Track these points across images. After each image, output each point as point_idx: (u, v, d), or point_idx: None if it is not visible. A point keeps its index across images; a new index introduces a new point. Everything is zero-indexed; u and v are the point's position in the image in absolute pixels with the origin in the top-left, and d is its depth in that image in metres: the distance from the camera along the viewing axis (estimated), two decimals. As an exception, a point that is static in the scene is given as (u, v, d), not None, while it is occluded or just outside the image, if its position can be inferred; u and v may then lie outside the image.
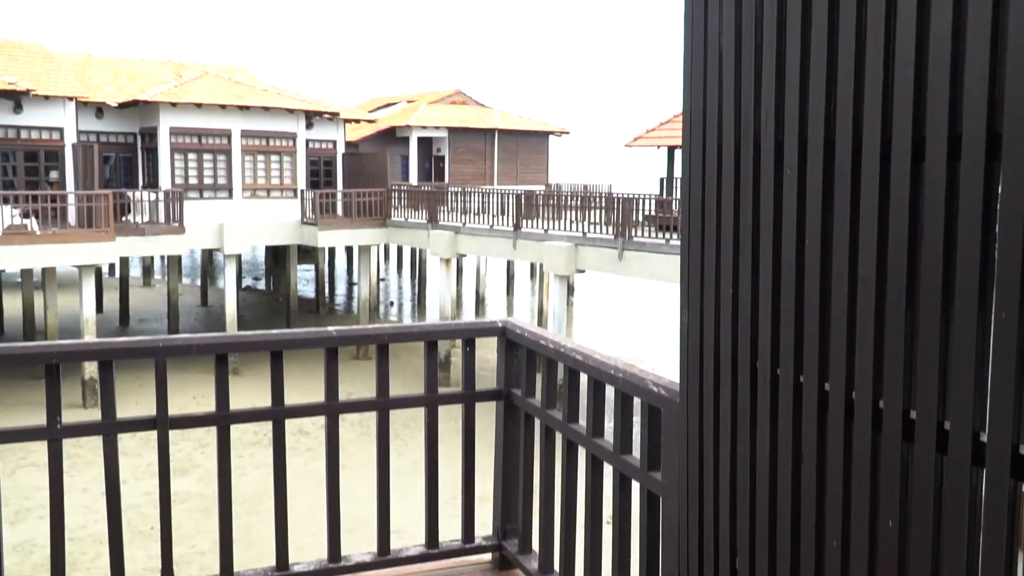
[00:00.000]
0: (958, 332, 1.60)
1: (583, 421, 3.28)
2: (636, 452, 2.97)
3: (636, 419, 2.98)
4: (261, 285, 44.25)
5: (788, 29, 1.99)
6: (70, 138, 26.48)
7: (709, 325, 2.32)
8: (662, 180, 25.37)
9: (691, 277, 2.33)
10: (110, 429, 3.21)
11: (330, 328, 3.62)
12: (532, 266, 38.46)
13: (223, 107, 28.11)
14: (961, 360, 1.60)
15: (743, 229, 2.12)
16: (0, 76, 23.79)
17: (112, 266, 36.61)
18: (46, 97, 25.43)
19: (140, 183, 29.18)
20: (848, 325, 1.82)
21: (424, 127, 39.16)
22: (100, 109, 28.70)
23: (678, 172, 24.66)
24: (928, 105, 1.64)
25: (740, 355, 2.23)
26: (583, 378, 3.27)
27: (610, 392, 3.13)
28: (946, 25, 1.61)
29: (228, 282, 28.09)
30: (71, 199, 24.37)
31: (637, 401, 2.93)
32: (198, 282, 39.77)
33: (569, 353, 3.29)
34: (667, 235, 20.17)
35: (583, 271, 22.85)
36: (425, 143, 40.43)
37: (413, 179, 38.76)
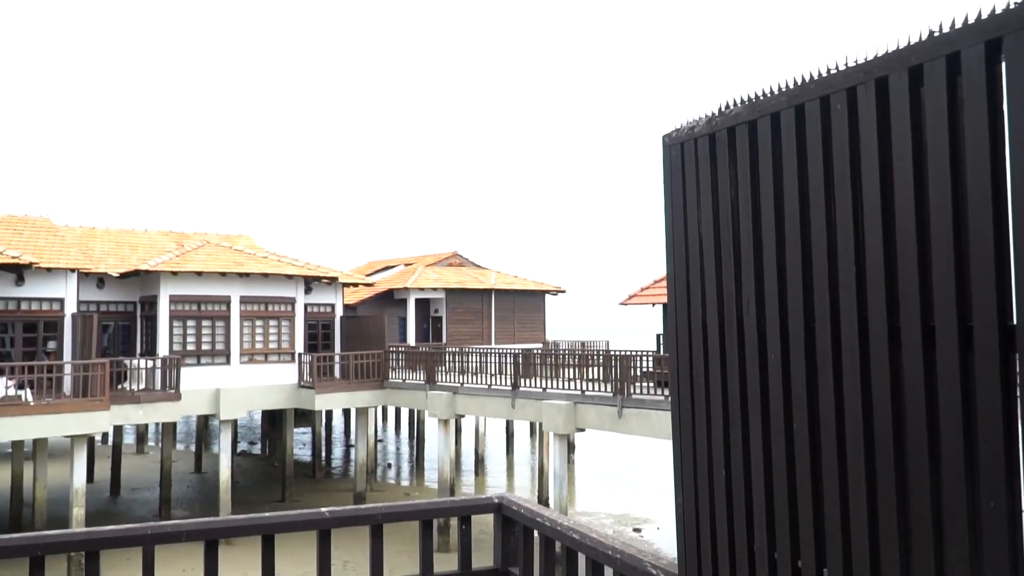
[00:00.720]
0: (948, 507, 1.61)
1: None
2: None
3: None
4: (257, 449, 43.61)
5: (763, 223, 2.09)
6: (70, 308, 26.77)
7: (704, 508, 2.31)
8: (658, 336, 25.53)
9: (684, 460, 2.34)
10: None
11: (323, 509, 3.58)
12: (532, 424, 38.10)
13: (223, 275, 28.61)
14: (954, 538, 1.59)
15: (731, 413, 2.16)
16: (4, 251, 24.31)
17: (105, 434, 36.19)
18: (48, 269, 25.90)
19: (138, 351, 29.30)
20: (841, 508, 1.82)
21: (422, 289, 39.75)
22: (101, 279, 29.19)
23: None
24: (901, 294, 1.71)
25: (737, 538, 2.20)
26: (581, 557, 3.22)
27: (609, 573, 3.07)
28: (910, 219, 1.70)
29: (223, 448, 27.71)
30: (67, 368, 24.37)
31: None
32: (192, 447, 39.22)
33: (567, 532, 3.25)
34: (666, 391, 20.12)
35: (583, 429, 22.62)
36: (423, 304, 40.93)
37: (411, 340, 38.97)
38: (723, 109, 2.30)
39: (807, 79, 2.01)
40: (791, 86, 2.06)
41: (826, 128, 1.94)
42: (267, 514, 3.49)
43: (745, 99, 2.21)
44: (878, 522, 1.78)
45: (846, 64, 1.88)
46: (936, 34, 1.64)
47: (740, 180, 2.21)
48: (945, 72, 1.65)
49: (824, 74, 1.94)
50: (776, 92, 2.10)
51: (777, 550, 2.06)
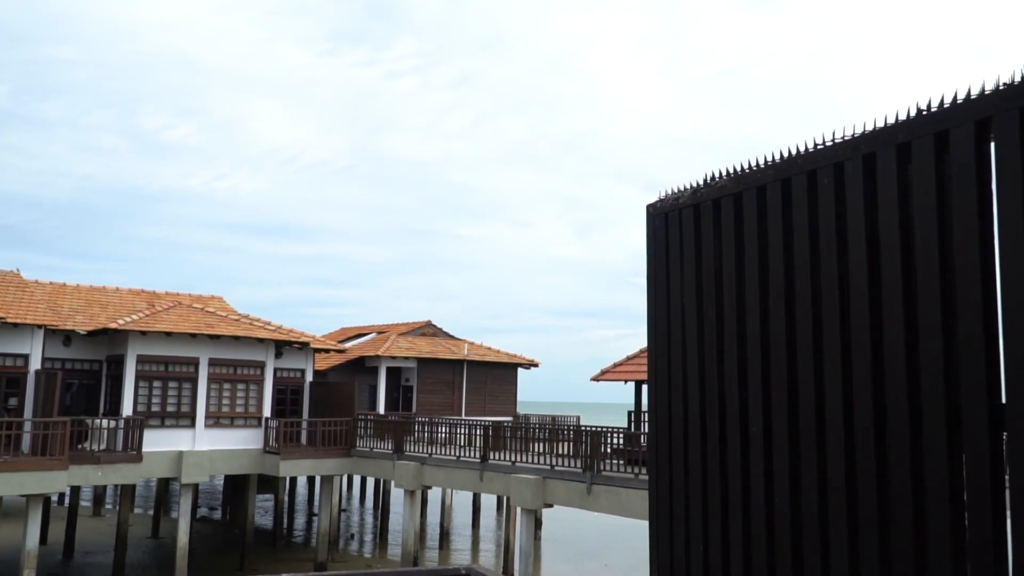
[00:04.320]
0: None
1: None
2: None
3: None
4: (217, 515, 42.50)
5: (747, 295, 2.08)
6: (34, 365, 26.27)
7: (682, 585, 2.25)
8: (630, 413, 25.43)
9: (660, 535, 2.28)
10: None
11: (287, 578, 3.45)
12: (499, 498, 37.53)
13: (193, 336, 28.28)
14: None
15: (711, 486, 2.11)
16: (-28, 302, 23.93)
17: (62, 495, 35.17)
18: (15, 325, 25.49)
19: (101, 410, 28.71)
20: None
21: (393, 357, 39.49)
22: (69, 336, 28.73)
23: (646, 405, 24.78)
24: (887, 370, 1.69)
25: (715, 618, 2.14)
26: None
27: None
28: (898, 296, 1.69)
29: (182, 513, 26.98)
30: (26, 426, 23.80)
31: None
32: (151, 511, 38.16)
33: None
34: (636, 469, 19.94)
35: (551, 505, 22.30)
36: (394, 372, 40.61)
37: (381, 408, 38.54)
38: (708, 180, 2.31)
39: (794, 153, 2.02)
40: (778, 159, 2.08)
41: (812, 202, 1.94)
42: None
43: (731, 171, 2.22)
44: (863, 605, 1.73)
45: (833, 139, 1.90)
46: (924, 112, 1.66)
47: (724, 252, 2.21)
48: (934, 150, 1.66)
49: (811, 148, 1.96)
50: (763, 165, 2.11)
51: (757, 632, 2.00)
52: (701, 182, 2.35)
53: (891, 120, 1.72)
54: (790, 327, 1.97)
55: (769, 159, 2.11)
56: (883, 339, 1.75)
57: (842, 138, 1.88)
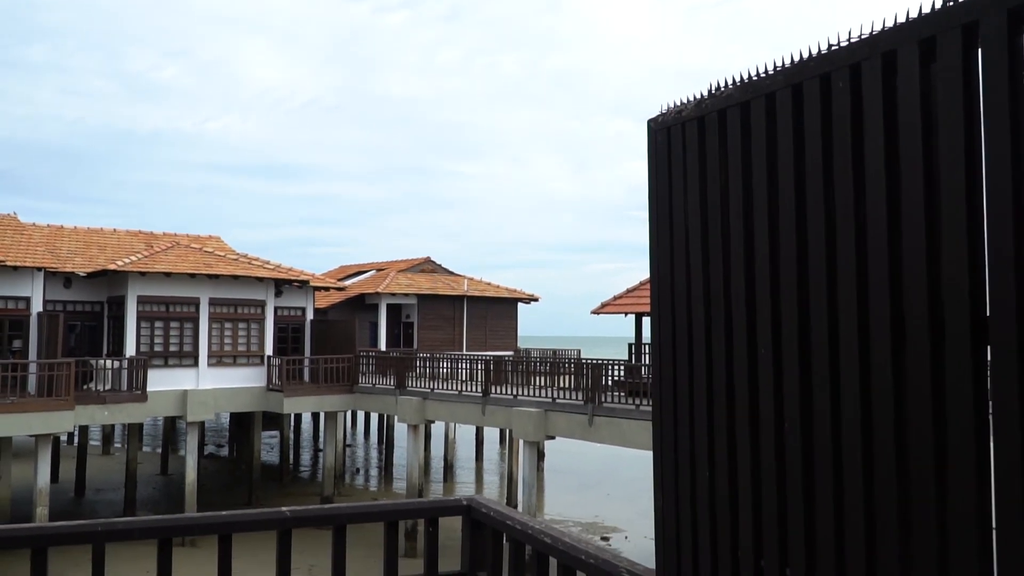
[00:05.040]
0: (953, 507, 1.49)
1: None
2: None
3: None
4: (224, 452, 43.05)
5: (755, 212, 1.97)
6: (36, 307, 26.26)
7: (686, 510, 2.19)
8: (630, 345, 25.49)
9: (665, 460, 2.21)
10: None
11: (283, 508, 3.42)
12: (502, 432, 37.92)
13: (192, 276, 28.21)
14: (961, 543, 1.48)
15: (717, 410, 2.03)
16: (-31, 245, 23.80)
17: (71, 434, 35.56)
18: (14, 268, 25.39)
19: (104, 351, 28.81)
20: (835, 512, 1.70)
21: (393, 294, 39.49)
22: (68, 279, 28.67)
23: (646, 337, 24.81)
24: (906, 288, 1.59)
25: (720, 543, 2.08)
26: (552, 562, 3.08)
27: None
28: (918, 207, 1.59)
29: (189, 451, 27.29)
30: (32, 368, 23.90)
31: None
32: (159, 449, 38.63)
33: (537, 535, 3.11)
34: (638, 401, 20.04)
35: (553, 437, 22.49)
36: (395, 310, 40.64)
37: (382, 345, 38.67)
38: (713, 91, 2.18)
39: (806, 56, 1.89)
40: (788, 64, 1.95)
41: (826, 109, 1.82)
42: (224, 512, 3.32)
43: (738, 79, 2.09)
44: (875, 527, 1.66)
45: (849, 39, 1.77)
46: (951, 3, 1.53)
47: (731, 167, 2.09)
48: (961, 45, 1.54)
49: (825, 50, 1.83)
50: (772, 71, 1.98)
51: (764, 556, 1.94)
52: (705, 93, 2.22)
53: (914, 14, 1.59)
54: (801, 243, 1.86)
55: (779, 64, 1.99)
56: (902, 253, 1.64)
57: (858, 36, 1.75)
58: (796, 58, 1.92)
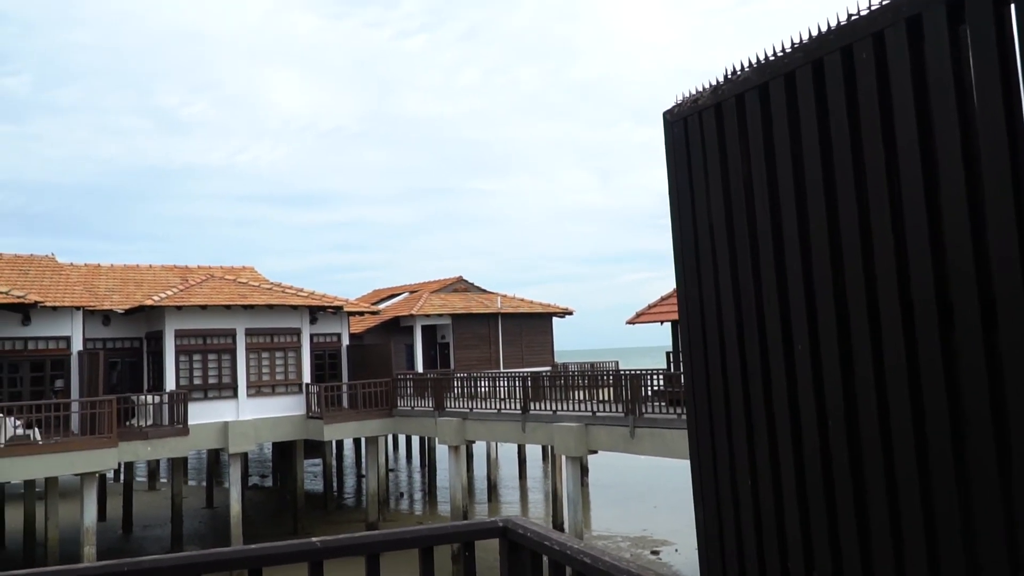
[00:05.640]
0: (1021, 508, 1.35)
1: None
2: None
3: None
4: (269, 482, 43.24)
5: (782, 199, 1.84)
6: (76, 346, 26.62)
7: (729, 523, 2.04)
8: (668, 354, 25.21)
9: (703, 470, 2.07)
10: None
11: (314, 539, 3.32)
12: (544, 448, 37.69)
13: (227, 307, 28.43)
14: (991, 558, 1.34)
15: (755, 413, 1.89)
16: (9, 291, 24.19)
17: (117, 471, 35.93)
18: (54, 308, 25.78)
19: (145, 386, 29.10)
20: (891, 518, 1.56)
21: (428, 315, 39.52)
22: (107, 316, 29.04)
23: (683, 345, 24.49)
24: (950, 268, 1.45)
25: (767, 556, 1.94)
26: None
27: None
28: (958, 179, 1.46)
29: (233, 483, 27.40)
30: (74, 407, 24.18)
31: None
32: (204, 483, 38.90)
33: (577, 555, 2.97)
34: (679, 410, 19.77)
35: (595, 451, 22.25)
36: (429, 331, 40.66)
37: (419, 367, 38.68)
38: (729, 75, 2.05)
39: (824, 30, 1.77)
40: (806, 40, 1.82)
41: (850, 82, 1.69)
42: (252, 546, 3.23)
43: (754, 61, 1.97)
44: (937, 533, 1.51)
45: (870, 6, 1.64)
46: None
47: (753, 153, 1.96)
48: (992, 3, 1.40)
49: (844, 22, 1.70)
50: (790, 49, 1.86)
51: (816, 568, 1.79)
52: (721, 79, 2.09)
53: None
54: (833, 227, 1.73)
55: (796, 41, 1.86)
56: (943, 231, 1.50)
57: (879, 3, 1.62)
58: (815, 33, 1.80)
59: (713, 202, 2.13)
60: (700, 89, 2.18)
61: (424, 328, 40.15)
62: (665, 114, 2.30)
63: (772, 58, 1.91)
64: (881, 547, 1.64)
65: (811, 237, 1.78)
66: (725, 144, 2.06)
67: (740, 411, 2.00)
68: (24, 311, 25.33)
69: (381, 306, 41.29)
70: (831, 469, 1.70)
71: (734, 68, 2.06)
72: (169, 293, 28.11)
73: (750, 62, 1.99)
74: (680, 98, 2.28)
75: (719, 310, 2.11)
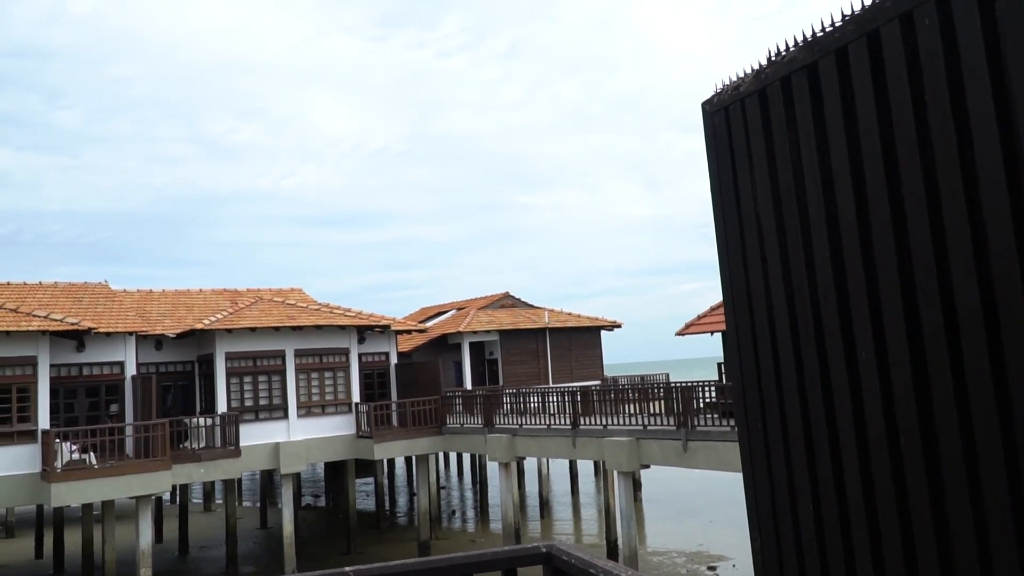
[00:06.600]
0: None
1: None
2: None
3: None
4: (322, 502, 43.44)
5: (838, 188, 1.64)
6: (130, 371, 27.03)
7: (789, 552, 1.83)
8: (719, 365, 24.77)
9: (759, 493, 1.86)
10: None
11: (346, 568, 3.16)
12: (596, 463, 37.29)
13: (277, 329, 28.65)
14: None
15: (815, 429, 1.69)
16: (64, 318, 24.65)
17: (173, 493, 36.37)
18: (107, 334, 26.22)
19: (198, 409, 29.43)
20: (978, 539, 1.35)
21: (475, 332, 39.46)
22: (159, 341, 29.46)
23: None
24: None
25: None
26: None
27: None
28: (1001, 186, 1.26)
29: (285, 503, 27.52)
30: (128, 430, 24.51)
31: None
32: (258, 503, 39.20)
33: (625, 583, 2.78)
34: (732, 422, 19.36)
35: (647, 466, 21.89)
36: (477, 347, 40.58)
37: (467, 384, 38.61)
38: (773, 57, 1.87)
39: (880, -2, 1.57)
40: (859, 11, 1.63)
41: (912, 53, 1.49)
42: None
43: (799, 40, 1.78)
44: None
45: (933, -35, 1.45)
46: None
47: (803, 140, 1.77)
48: None
49: (904, -15, 1.51)
50: (841, 22, 1.67)
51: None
52: (764, 62, 1.91)
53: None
54: (898, 217, 1.52)
55: (847, 13, 1.67)
56: None
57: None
58: (866, 1, 1.60)
59: (760, 195, 1.93)
60: (741, 75, 2.00)
61: (472, 345, 40.08)
62: (704, 104, 2.12)
63: (820, 34, 1.72)
64: (967, 573, 1.43)
65: (872, 228, 1.58)
66: (771, 131, 1.87)
67: (798, 427, 1.80)
68: (79, 338, 25.81)
69: (428, 324, 41.35)
70: (906, 491, 1.49)
71: (778, 49, 1.87)
72: (219, 316, 28.43)
73: (795, 41, 1.81)
74: (719, 86, 2.09)
75: (770, 311, 1.91)
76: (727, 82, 2.07)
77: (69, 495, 22.55)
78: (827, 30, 1.71)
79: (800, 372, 1.79)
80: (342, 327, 29.97)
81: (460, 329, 38.96)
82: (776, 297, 1.89)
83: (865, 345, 1.61)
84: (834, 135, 1.67)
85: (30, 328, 23.36)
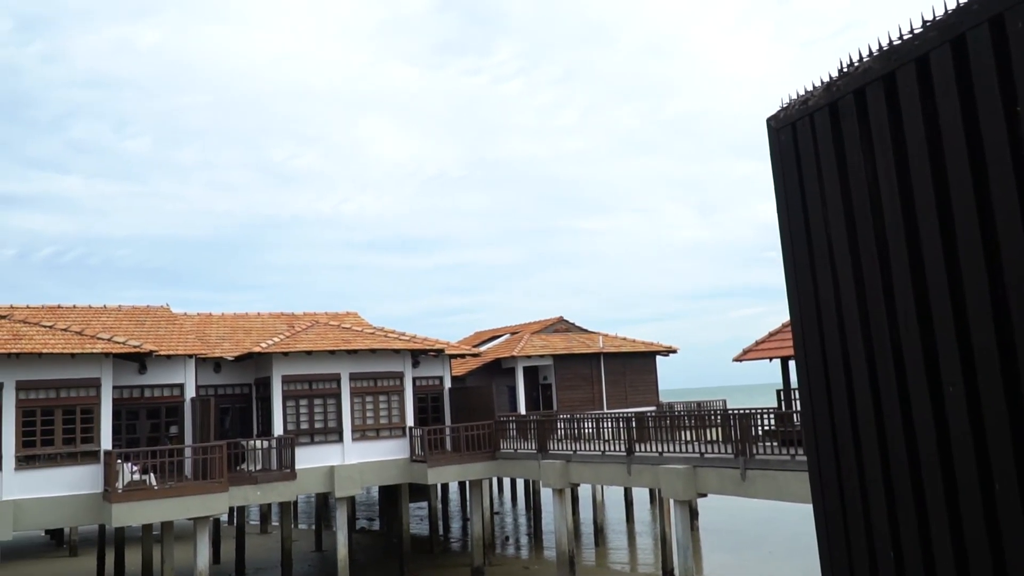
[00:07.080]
0: None
1: None
2: None
3: None
4: (376, 525, 43.52)
5: (919, 206, 1.51)
6: (189, 393, 27.47)
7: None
8: (779, 392, 24.23)
9: (832, 541, 1.71)
10: None
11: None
12: (651, 490, 36.75)
13: (332, 353, 28.87)
14: None
15: (897, 474, 1.54)
16: (127, 341, 25.18)
17: (231, 514, 36.76)
18: (168, 357, 26.71)
19: (254, 431, 29.75)
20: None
21: (529, 356, 39.33)
22: (218, 364, 29.91)
23: (795, 382, 23.54)
24: None
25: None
26: None
27: None
28: None
29: (340, 526, 27.60)
30: (187, 452, 24.86)
31: None
32: (314, 526, 39.42)
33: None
34: (792, 450, 18.88)
35: (704, 494, 21.44)
36: (531, 372, 40.42)
37: (521, 409, 38.44)
38: (846, 68, 1.75)
39: (964, 1, 1.45)
40: (941, 16, 1.51)
41: (1002, 59, 1.37)
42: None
43: (875, 49, 1.66)
44: None
45: (1028, -38, 1.33)
46: None
47: (879, 155, 1.64)
48: None
49: (992, -14, 1.39)
50: (921, 28, 1.54)
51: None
52: (835, 74, 1.79)
53: None
54: (988, 236, 1.38)
55: (929, 19, 1.54)
56: None
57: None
58: (951, 5, 1.48)
59: (832, 214, 1.80)
60: (810, 88, 1.88)
61: (526, 369, 39.95)
62: (769, 120, 2.00)
63: (898, 42, 1.60)
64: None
65: (959, 249, 1.45)
66: (843, 147, 1.74)
67: (876, 467, 1.65)
68: (140, 360, 26.34)
69: (483, 348, 41.35)
70: (1001, 547, 1.34)
71: (850, 59, 1.75)
72: (276, 340, 28.77)
73: (870, 50, 1.69)
74: (786, 101, 1.98)
75: (843, 339, 1.77)
76: (793, 96, 1.95)
77: (130, 515, 22.92)
78: (906, 37, 1.59)
79: (878, 408, 1.65)
80: (396, 351, 30.09)
81: (514, 353, 38.87)
82: (850, 326, 1.76)
83: (952, 377, 1.47)
84: (914, 151, 1.54)
85: (94, 351, 23.91)
